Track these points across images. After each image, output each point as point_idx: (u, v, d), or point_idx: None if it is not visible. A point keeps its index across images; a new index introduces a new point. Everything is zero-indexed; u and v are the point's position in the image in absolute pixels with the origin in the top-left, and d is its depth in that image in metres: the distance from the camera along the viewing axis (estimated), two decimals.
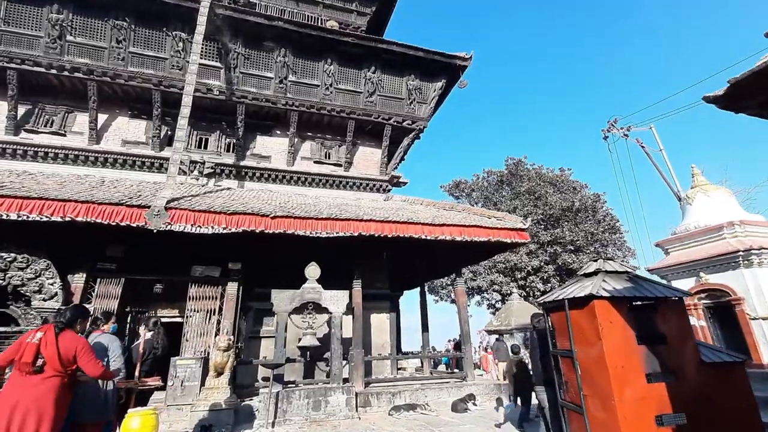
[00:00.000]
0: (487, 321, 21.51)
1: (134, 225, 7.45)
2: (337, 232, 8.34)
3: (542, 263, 21.82)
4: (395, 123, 12.31)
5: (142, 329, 4.87)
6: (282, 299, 8.28)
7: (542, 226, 22.23)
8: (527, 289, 22.20)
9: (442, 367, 15.98)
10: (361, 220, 8.57)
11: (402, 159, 13.66)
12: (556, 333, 4.67)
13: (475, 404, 8.30)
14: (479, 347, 15.17)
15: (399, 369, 11.36)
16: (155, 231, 7.50)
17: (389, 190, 12.60)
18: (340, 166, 12.46)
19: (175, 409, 7.24)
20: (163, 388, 8.32)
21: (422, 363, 11.81)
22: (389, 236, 8.57)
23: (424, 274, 13.05)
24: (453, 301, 28.39)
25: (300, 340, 9.05)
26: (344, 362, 9.05)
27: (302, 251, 9.19)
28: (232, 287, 8.92)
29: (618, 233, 23.14)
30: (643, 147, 16.71)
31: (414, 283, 14.25)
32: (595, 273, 4.62)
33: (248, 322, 10.08)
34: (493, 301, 26.01)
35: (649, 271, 11.19)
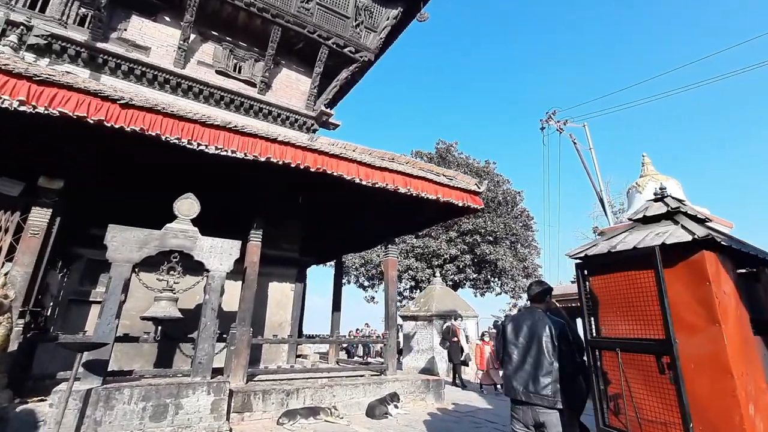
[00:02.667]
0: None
1: None
2: (233, 151, 5.47)
3: (460, 252, 21.14)
4: (334, 46, 9.61)
5: None
6: (125, 241, 5.17)
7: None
8: (441, 277, 21.35)
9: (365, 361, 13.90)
10: (275, 141, 5.84)
11: (336, 97, 11.04)
12: (601, 309, 2.72)
13: (397, 407, 6.26)
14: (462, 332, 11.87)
15: (298, 356, 8.88)
16: None
17: (315, 131, 9.89)
18: (254, 86, 9.34)
19: None
20: None
21: (329, 350, 9.48)
22: (312, 171, 5.99)
23: (344, 241, 10.67)
24: (362, 286, 26.61)
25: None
26: (222, 345, 6.30)
27: (176, 179, 6.12)
28: (39, 216, 5.44)
29: (530, 230, 23.68)
30: (575, 143, 16.71)
31: (329, 254, 11.82)
32: (668, 216, 2.79)
33: (72, 277, 6.60)
34: (401, 289, 24.88)
35: None
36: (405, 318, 14.07)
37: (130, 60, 7.97)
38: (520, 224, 23.30)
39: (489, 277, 22.86)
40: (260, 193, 6.84)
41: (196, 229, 5.68)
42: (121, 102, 4.98)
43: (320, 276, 70.79)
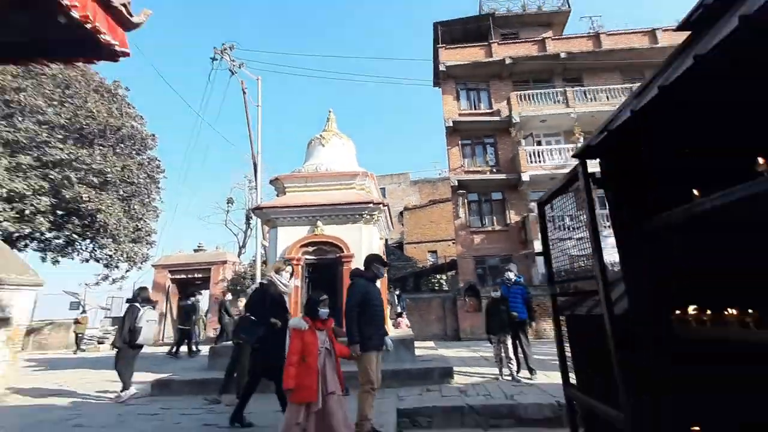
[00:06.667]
0: None
1: None
2: None
3: (33, 190, 13.24)
4: None
5: None
6: None
7: (62, 138, 13.93)
8: None
9: None
10: None
11: None
12: None
13: None
14: None
15: None
16: None
17: None
18: None
19: None
20: None
21: None
22: None
23: None
24: None
25: None
26: None
27: None
28: None
29: (157, 185, 18.90)
30: (244, 92, 14.56)
31: None
32: None
33: None
34: None
35: (254, 210, 8.42)
36: None
37: None
38: (145, 174, 18.07)
39: (76, 235, 15.85)
40: None
41: None
42: None
43: None
